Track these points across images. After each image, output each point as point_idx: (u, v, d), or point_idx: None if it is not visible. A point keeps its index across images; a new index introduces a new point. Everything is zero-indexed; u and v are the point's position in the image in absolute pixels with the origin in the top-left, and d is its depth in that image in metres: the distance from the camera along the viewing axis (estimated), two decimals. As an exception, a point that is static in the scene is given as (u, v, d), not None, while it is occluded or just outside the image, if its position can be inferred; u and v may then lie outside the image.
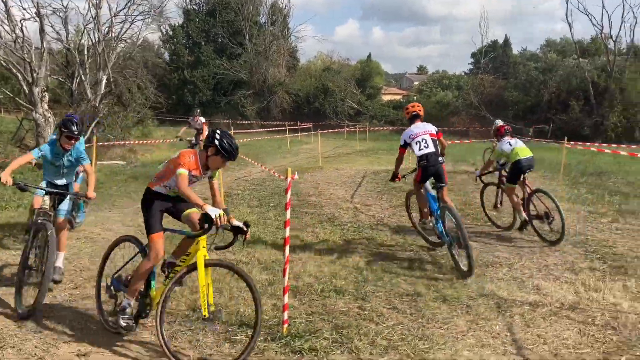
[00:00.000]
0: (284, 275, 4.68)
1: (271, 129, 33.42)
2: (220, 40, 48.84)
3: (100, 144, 18.22)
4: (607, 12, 45.58)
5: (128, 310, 4.43)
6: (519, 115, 37.53)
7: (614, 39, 34.47)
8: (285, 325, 4.58)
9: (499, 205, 8.77)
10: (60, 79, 23.00)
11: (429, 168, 6.82)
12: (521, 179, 7.92)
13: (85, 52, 21.41)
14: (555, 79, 36.24)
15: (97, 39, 20.99)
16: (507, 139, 8.08)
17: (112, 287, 4.66)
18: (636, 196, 11.51)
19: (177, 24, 48.71)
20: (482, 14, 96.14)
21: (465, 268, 6.16)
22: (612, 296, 5.43)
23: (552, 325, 4.74)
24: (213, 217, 3.97)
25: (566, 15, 36.34)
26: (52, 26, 21.08)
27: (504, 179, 8.24)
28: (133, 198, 11.86)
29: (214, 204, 4.44)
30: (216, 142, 4.27)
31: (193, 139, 14.24)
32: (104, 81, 20.99)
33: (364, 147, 26.84)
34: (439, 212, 6.74)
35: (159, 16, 27.31)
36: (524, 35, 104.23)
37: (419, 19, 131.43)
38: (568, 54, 39.08)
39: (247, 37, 47.45)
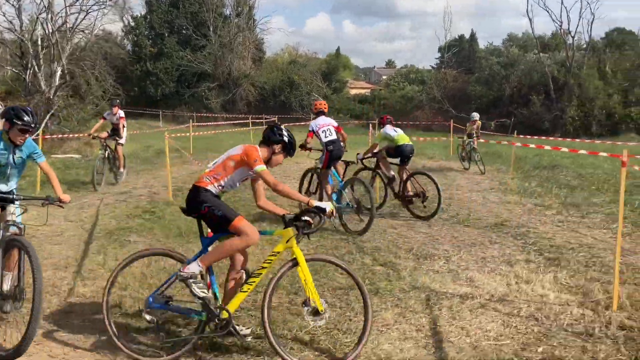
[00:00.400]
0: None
1: (236, 122, 33.14)
2: (184, 31, 48.14)
3: (55, 136, 17.83)
4: (565, 8, 45.26)
5: (199, 276, 4.05)
6: (482, 109, 37.87)
7: (572, 35, 35.16)
8: (209, 322, 4.51)
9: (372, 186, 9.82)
10: (14, 70, 22.34)
11: (334, 152, 8.21)
12: (403, 162, 9.27)
13: (40, 42, 20.83)
14: (517, 73, 36.82)
15: (50, 30, 20.43)
16: (390, 126, 9.46)
17: (150, 311, 4.06)
18: (583, 189, 11.75)
19: (139, 15, 47.88)
20: (446, 9, 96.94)
21: (360, 227, 7.78)
22: (542, 287, 5.50)
23: (478, 318, 4.78)
24: (328, 210, 4.00)
25: (527, 10, 36.81)
26: (4, 15, 20.48)
27: (384, 153, 9.40)
28: (80, 192, 11.59)
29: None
30: (285, 138, 4.23)
31: (106, 133, 12.24)
32: (59, 73, 20.47)
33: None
34: (342, 184, 8.27)
35: (117, 6, 26.69)
36: (492, 30, 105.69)
37: (390, 14, 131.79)
38: (530, 48, 39.69)
39: (211, 29, 46.88)
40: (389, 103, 42.57)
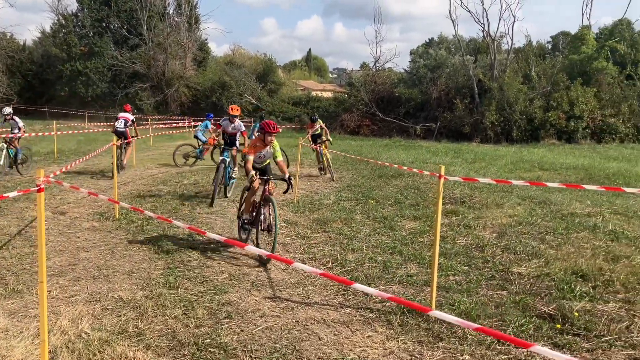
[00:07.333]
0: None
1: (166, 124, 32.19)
2: (117, 30, 46.99)
3: None
4: (484, 9, 40.84)
5: None
6: (410, 112, 37.25)
7: (493, 38, 34.45)
8: None
9: None
10: None
11: None
12: None
13: None
14: (443, 76, 36.15)
15: None
16: None
17: None
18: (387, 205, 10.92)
19: (70, 13, 46.64)
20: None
21: None
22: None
23: None
24: None
25: (449, 11, 36.07)
26: None
27: None
28: None
29: None
30: None
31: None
32: None
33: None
34: None
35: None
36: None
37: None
38: (458, 51, 39.03)
39: (145, 28, 45.73)
40: (321, 105, 41.73)
